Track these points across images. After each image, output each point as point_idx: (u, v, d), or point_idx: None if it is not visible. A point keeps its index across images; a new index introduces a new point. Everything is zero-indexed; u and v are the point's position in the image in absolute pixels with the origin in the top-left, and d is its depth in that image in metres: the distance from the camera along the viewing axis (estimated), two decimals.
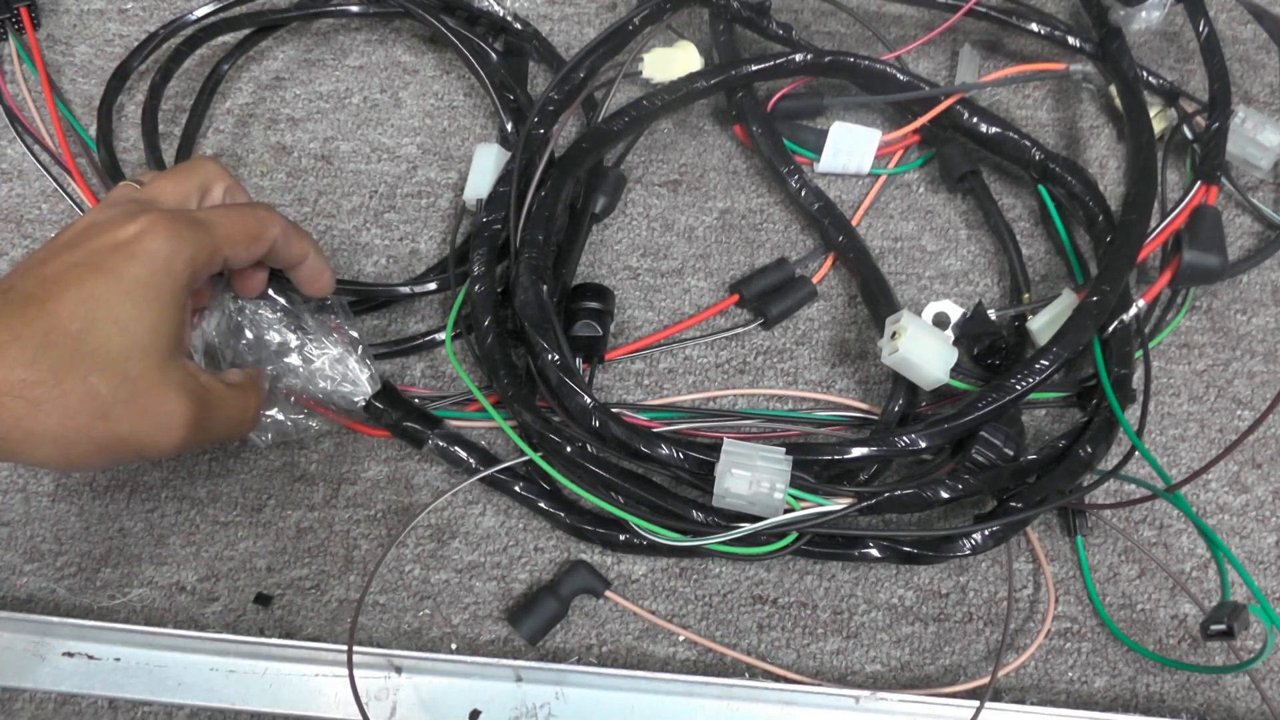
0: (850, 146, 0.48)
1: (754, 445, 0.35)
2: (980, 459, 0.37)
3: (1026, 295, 0.44)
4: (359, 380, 0.39)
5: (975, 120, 0.47)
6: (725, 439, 0.35)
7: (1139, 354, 0.41)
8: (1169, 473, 0.42)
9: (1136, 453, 0.39)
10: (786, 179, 0.47)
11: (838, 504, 0.35)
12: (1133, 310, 0.41)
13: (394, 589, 0.42)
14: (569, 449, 0.37)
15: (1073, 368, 0.42)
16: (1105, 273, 0.40)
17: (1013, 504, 0.38)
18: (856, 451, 0.37)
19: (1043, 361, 0.38)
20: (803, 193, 0.47)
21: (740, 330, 0.46)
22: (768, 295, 0.46)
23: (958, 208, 0.49)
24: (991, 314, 0.43)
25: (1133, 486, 0.41)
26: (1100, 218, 0.44)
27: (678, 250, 0.49)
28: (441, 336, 0.44)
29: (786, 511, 0.35)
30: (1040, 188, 0.47)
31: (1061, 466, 0.38)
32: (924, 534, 0.39)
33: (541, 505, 0.40)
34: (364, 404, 0.40)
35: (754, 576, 0.41)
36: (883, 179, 0.49)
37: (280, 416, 0.38)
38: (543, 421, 0.37)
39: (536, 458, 0.37)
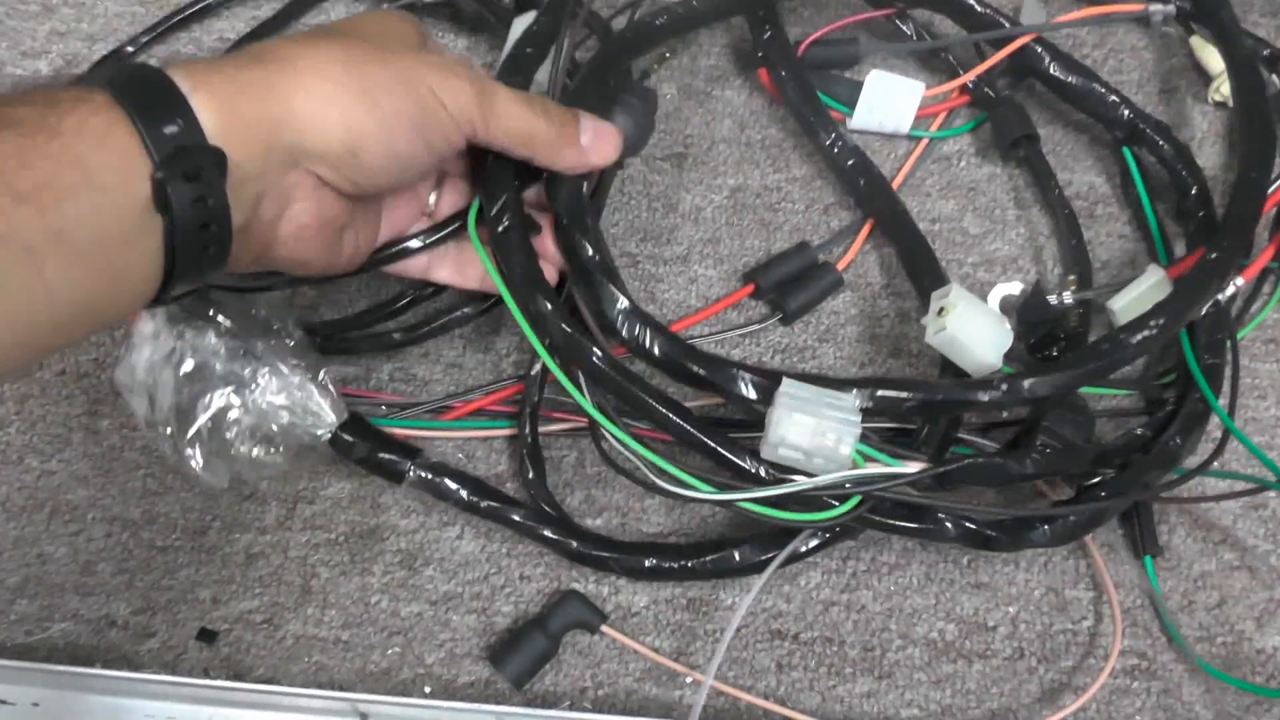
0: (888, 100, 0.49)
1: (817, 388, 0.35)
2: (1036, 455, 0.38)
3: (1071, 278, 0.46)
4: (321, 410, 0.40)
5: (1056, 66, 0.47)
6: (784, 378, 0.35)
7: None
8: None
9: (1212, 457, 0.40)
10: (817, 131, 0.48)
11: (909, 467, 0.36)
12: (1230, 289, 0.41)
13: (358, 623, 0.42)
14: (596, 357, 0.37)
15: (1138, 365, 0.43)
16: (1230, 226, 0.41)
17: (1099, 492, 0.38)
18: (974, 395, 0.37)
19: (1158, 320, 0.39)
20: (836, 148, 0.48)
21: (755, 326, 0.47)
22: (787, 285, 0.47)
23: (1005, 184, 0.51)
24: (1051, 298, 0.44)
25: (1226, 483, 0.41)
26: (1193, 190, 0.45)
27: (683, 234, 0.49)
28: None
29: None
30: (1125, 151, 0.48)
31: (1149, 457, 0.39)
32: (998, 514, 0.39)
33: (546, 534, 0.41)
34: (329, 437, 0.40)
35: (771, 608, 0.42)
36: (924, 143, 0.50)
37: (234, 454, 0.39)
38: (565, 320, 0.37)
39: (553, 365, 0.37)
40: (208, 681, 0.39)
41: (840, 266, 0.48)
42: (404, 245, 0.40)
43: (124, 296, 0.30)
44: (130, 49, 0.54)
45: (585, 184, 0.40)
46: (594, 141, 0.39)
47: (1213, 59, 0.51)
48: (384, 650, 0.42)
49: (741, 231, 0.50)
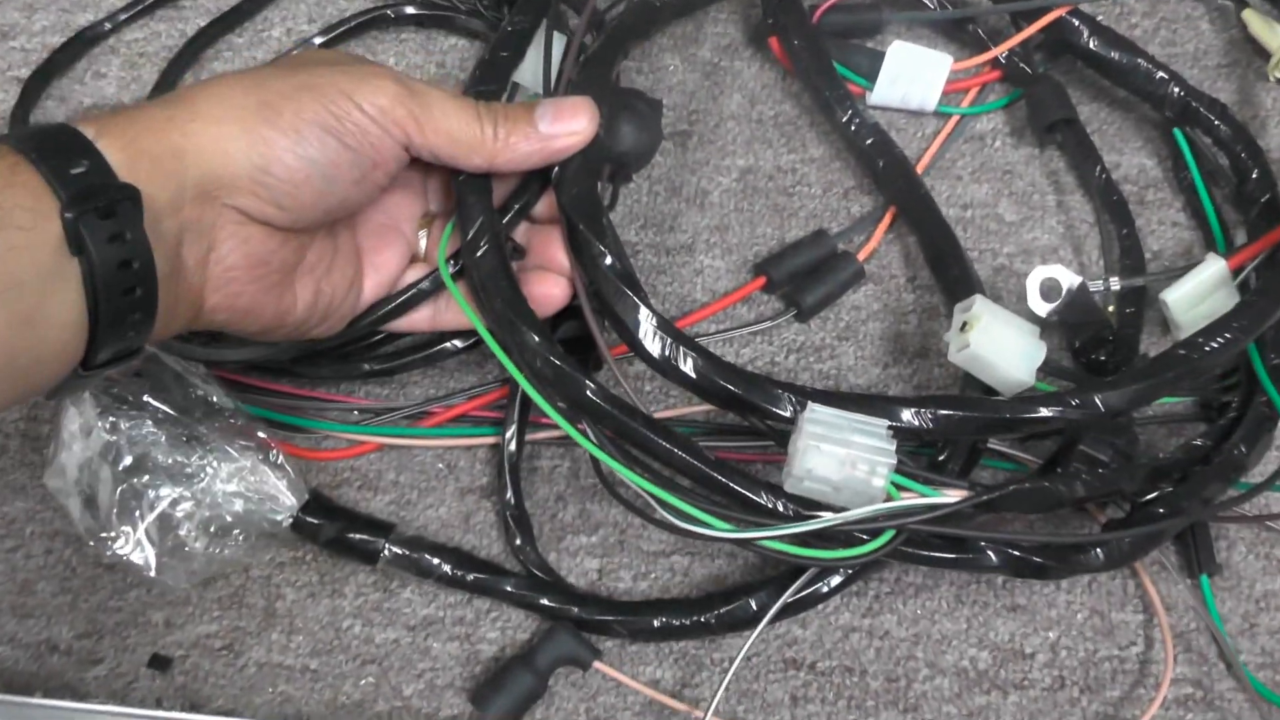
0: (913, 73, 0.48)
1: (846, 414, 0.35)
2: (1083, 478, 0.38)
3: (1114, 280, 0.45)
4: (279, 493, 0.40)
5: (1096, 41, 0.47)
6: (810, 403, 0.35)
7: None
8: None
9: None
10: (834, 107, 0.48)
11: (949, 496, 0.35)
12: None
13: (328, 650, 0.42)
14: (589, 391, 0.36)
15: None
16: None
17: (1156, 509, 0.38)
18: (1040, 411, 0.36)
19: (1240, 322, 0.38)
20: (853, 125, 0.48)
21: (768, 323, 0.47)
22: (802, 277, 0.47)
23: (1045, 166, 0.50)
24: (1094, 285, 0.44)
25: None
26: (1254, 173, 0.45)
27: (687, 221, 0.49)
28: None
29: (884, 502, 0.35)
30: (1176, 132, 0.47)
31: (1210, 469, 0.39)
32: (1047, 538, 0.39)
33: (544, 604, 0.41)
34: (291, 521, 0.41)
35: (785, 634, 0.42)
36: (954, 121, 0.50)
37: (189, 550, 0.39)
38: (552, 353, 0.37)
39: (544, 403, 0.37)
40: (160, 713, 0.39)
41: (861, 256, 0.47)
42: (405, 297, 0.40)
43: (48, 352, 0.30)
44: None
45: (599, 185, 0.40)
46: (556, 123, 0.38)
47: (1269, 34, 0.50)
48: (356, 680, 0.41)
49: (752, 218, 0.49)
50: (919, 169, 0.49)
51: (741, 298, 0.47)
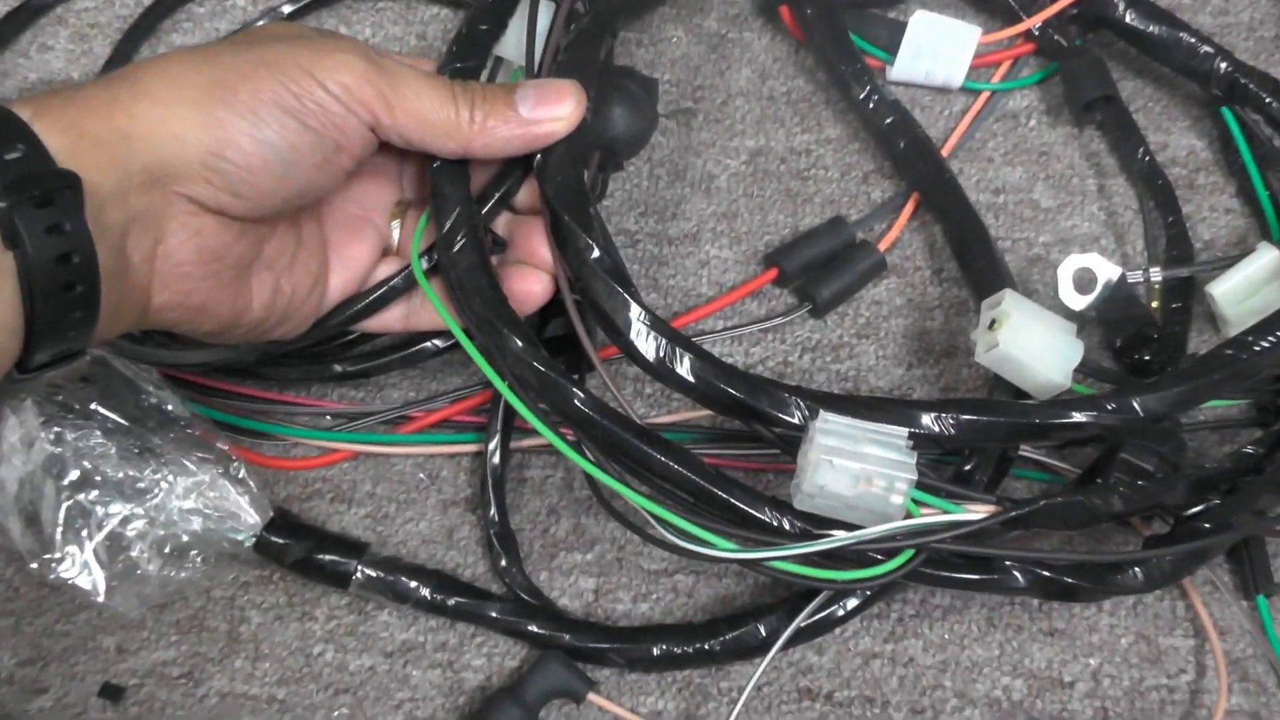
0: (937, 46, 0.48)
1: (860, 422, 0.34)
2: (1123, 490, 0.37)
3: (1155, 271, 0.45)
4: (241, 510, 0.40)
5: (1133, 14, 0.47)
6: (821, 412, 0.35)
7: None
8: None
9: None
10: (850, 82, 0.48)
11: (973, 512, 0.35)
12: None
13: (297, 678, 0.41)
14: (578, 400, 0.36)
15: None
16: None
17: (1202, 523, 0.38)
18: (1073, 416, 0.36)
19: None
20: (872, 103, 0.47)
21: (779, 319, 0.47)
22: (818, 269, 0.46)
23: (1084, 148, 0.50)
24: (1134, 276, 0.44)
25: None
26: None
27: (692, 207, 0.49)
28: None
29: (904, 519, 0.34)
30: (1225, 111, 0.47)
31: (1262, 479, 0.38)
32: (1081, 557, 0.39)
33: (532, 630, 0.41)
34: (254, 541, 0.40)
35: (800, 661, 0.41)
36: (983, 98, 0.50)
37: (142, 573, 0.39)
38: (536, 358, 0.36)
39: (531, 416, 0.36)
40: None
41: (882, 246, 0.47)
42: (375, 295, 0.40)
43: None
44: None
45: (587, 173, 0.40)
46: (539, 107, 0.37)
47: None
48: (329, 711, 0.41)
49: (763, 204, 0.49)
50: (944, 151, 0.49)
51: (751, 291, 0.47)
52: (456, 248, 0.37)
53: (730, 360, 0.46)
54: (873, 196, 0.49)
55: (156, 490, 0.39)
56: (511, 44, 0.42)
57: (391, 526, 0.44)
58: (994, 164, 0.50)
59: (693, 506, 0.36)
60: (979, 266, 0.45)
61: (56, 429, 0.38)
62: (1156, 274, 0.44)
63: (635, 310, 0.36)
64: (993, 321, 0.39)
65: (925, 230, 0.49)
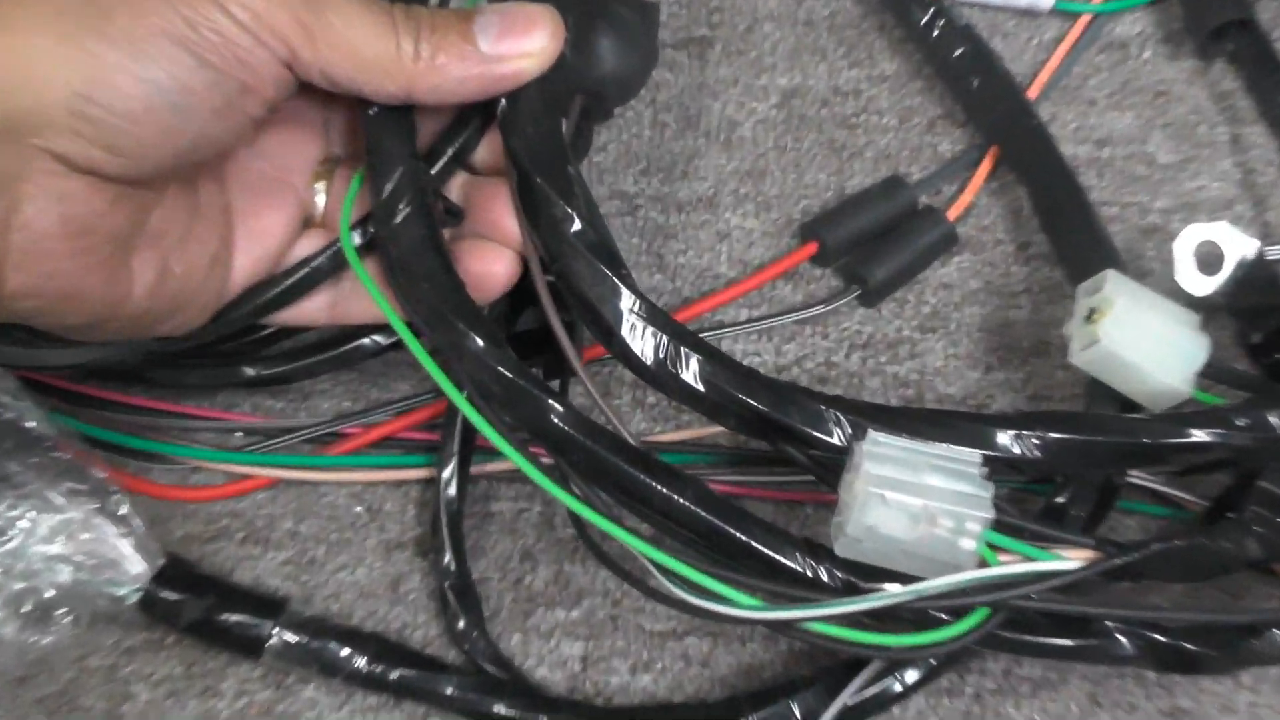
0: None
1: (919, 444, 0.34)
2: (1261, 529, 0.36)
3: None
4: (123, 557, 0.40)
5: None
6: (870, 430, 0.34)
7: None
8: None
9: None
10: (910, 3, 0.48)
11: (1066, 559, 0.34)
12: None
13: None
14: (556, 416, 0.35)
15: None
16: None
17: None
18: (1194, 435, 0.35)
19: None
20: (936, 29, 0.48)
21: (820, 308, 0.46)
22: (869, 243, 0.46)
23: (1212, 87, 0.49)
24: (1278, 260, 0.43)
25: None
26: None
27: (708, 163, 0.48)
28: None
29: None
30: None
31: None
32: (1207, 616, 0.38)
33: (499, 712, 0.40)
34: (139, 597, 0.40)
35: None
36: (1081, 22, 0.50)
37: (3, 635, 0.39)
38: (501, 361, 0.36)
39: (472, 414, 0.35)
40: None
41: (951, 215, 0.46)
42: (293, 279, 0.39)
43: None
44: None
45: (566, 122, 0.39)
46: (503, 40, 0.36)
47: None
48: None
49: (799, 159, 0.48)
50: (1031, 92, 0.48)
51: (783, 272, 0.46)
52: (398, 218, 0.37)
53: (756, 362, 0.45)
54: (939, 150, 0.49)
55: (12, 532, 0.38)
56: None
57: (320, 575, 0.43)
58: (1095, 108, 0.49)
59: (706, 551, 0.36)
60: (1075, 240, 0.45)
61: None
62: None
63: (628, 298, 0.36)
64: (1092, 311, 0.39)
65: (1006, 193, 0.48)
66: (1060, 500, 0.39)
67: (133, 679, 0.41)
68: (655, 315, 0.36)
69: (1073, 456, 0.36)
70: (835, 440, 0.35)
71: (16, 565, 0.38)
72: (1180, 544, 0.35)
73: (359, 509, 0.44)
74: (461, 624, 0.41)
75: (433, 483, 0.43)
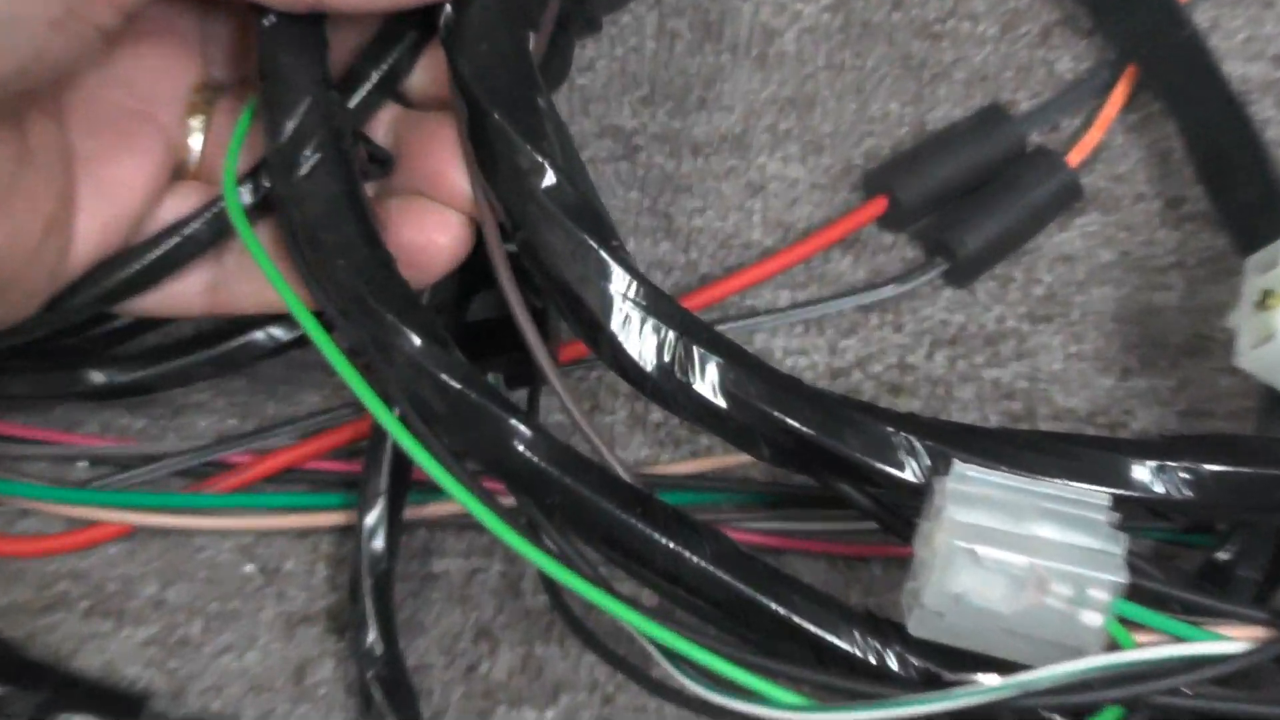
0: None
1: (1024, 480, 0.33)
2: None
3: None
4: None
5: None
6: (956, 461, 0.33)
7: None
8: None
9: None
10: None
11: (1230, 639, 0.33)
12: None
13: None
14: (523, 442, 0.34)
15: None
16: None
17: None
18: None
19: None
20: None
21: (892, 289, 0.45)
22: (959, 199, 0.45)
23: None
24: None
25: None
26: None
27: (734, 89, 0.49)
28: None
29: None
30: None
31: None
32: None
33: None
34: None
35: None
36: None
37: None
38: (446, 368, 0.35)
39: (401, 432, 0.34)
40: None
41: (1073, 160, 0.46)
42: (158, 252, 0.37)
43: None
44: None
45: (534, 36, 0.39)
46: None
47: None
48: None
49: (860, 83, 0.48)
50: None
51: (841, 238, 0.45)
52: (304, 169, 0.36)
53: (801, 365, 0.45)
54: (1056, 70, 0.48)
55: None
56: None
57: (195, 661, 0.42)
58: (1274, 11, 0.48)
59: (731, 629, 0.34)
60: (1244, 197, 0.44)
61: None
62: None
63: (620, 279, 0.34)
64: (1265, 294, 0.38)
65: (1149, 130, 0.48)
66: (1223, 557, 0.39)
67: None
68: (659, 302, 0.35)
69: (1240, 496, 0.34)
70: (909, 476, 0.34)
71: None
72: None
73: (249, 568, 0.43)
74: None
75: (352, 531, 0.41)
